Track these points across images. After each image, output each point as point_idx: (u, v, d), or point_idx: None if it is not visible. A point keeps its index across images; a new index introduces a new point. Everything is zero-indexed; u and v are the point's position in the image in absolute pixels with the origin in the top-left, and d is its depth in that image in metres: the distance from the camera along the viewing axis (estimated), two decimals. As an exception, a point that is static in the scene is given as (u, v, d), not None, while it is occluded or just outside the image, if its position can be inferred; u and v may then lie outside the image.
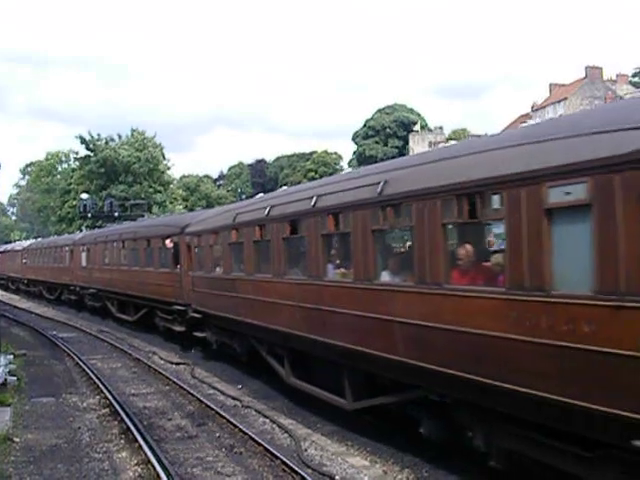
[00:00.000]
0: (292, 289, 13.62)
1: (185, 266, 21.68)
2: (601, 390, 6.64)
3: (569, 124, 8.11)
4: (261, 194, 25.40)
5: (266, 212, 15.08)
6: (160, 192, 66.32)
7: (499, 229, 8.53)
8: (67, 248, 40.60)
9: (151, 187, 65.27)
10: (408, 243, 10.36)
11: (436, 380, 9.34)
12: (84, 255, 37.08)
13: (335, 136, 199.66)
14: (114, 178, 65.29)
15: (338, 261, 12.43)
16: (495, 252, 8.76)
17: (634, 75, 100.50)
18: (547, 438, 7.72)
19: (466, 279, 8.96)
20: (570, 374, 7.02)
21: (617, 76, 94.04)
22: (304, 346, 13.57)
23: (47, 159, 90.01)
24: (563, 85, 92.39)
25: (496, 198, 8.26)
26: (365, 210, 10.96)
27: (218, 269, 18.58)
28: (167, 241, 23.76)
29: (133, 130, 68.89)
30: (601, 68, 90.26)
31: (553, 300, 7.25)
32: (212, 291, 18.84)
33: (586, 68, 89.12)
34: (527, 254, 7.65)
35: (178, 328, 23.00)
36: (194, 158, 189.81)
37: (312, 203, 12.80)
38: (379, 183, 10.60)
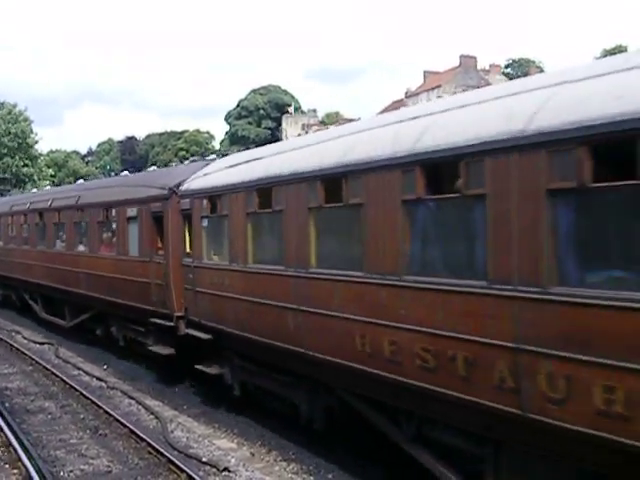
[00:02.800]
0: (40, 255, 22.08)
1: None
2: (138, 297, 15.28)
3: (138, 179, 17.86)
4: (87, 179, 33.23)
5: (27, 206, 23.76)
6: (28, 166, 66.38)
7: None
8: None
9: (21, 161, 65.40)
10: (86, 230, 18.93)
11: (98, 303, 17.98)
12: None
13: (208, 115, 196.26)
14: None
15: (63, 238, 20.82)
16: (114, 237, 17.30)
17: (507, 66, 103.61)
18: (134, 324, 16.40)
19: (106, 250, 17.56)
20: (127, 291, 15.66)
21: (490, 66, 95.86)
22: (47, 291, 22.06)
23: None
24: (437, 73, 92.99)
25: (114, 211, 16.82)
26: (71, 211, 19.71)
27: (1, 242, 26.80)
28: None
29: (1, 103, 67.33)
30: (475, 57, 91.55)
31: (126, 259, 15.99)
32: (-4, 258, 27.16)
33: (460, 57, 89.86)
34: (121, 239, 16.38)
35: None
36: (62, 133, 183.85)
37: (49, 204, 21.57)
38: (77, 196, 19.45)
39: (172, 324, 14.10)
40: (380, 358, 7.95)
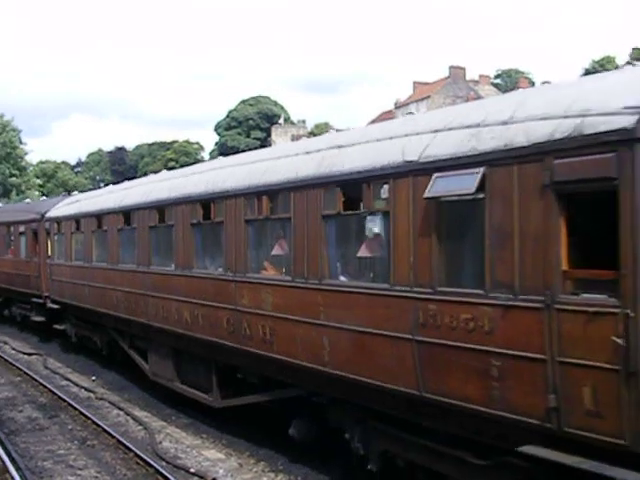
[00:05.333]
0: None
1: None
2: (25, 285, 23.56)
3: (27, 207, 26.53)
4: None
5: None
6: (16, 176, 67.08)
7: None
8: None
9: (8, 170, 65.79)
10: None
11: (5, 292, 26.21)
12: None
13: (197, 126, 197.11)
14: None
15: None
16: (13, 245, 25.47)
17: (496, 77, 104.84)
18: (24, 304, 24.64)
19: (10, 254, 25.71)
20: (19, 282, 23.91)
21: (479, 77, 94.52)
22: None
23: None
24: (427, 83, 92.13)
25: (12, 227, 25.27)
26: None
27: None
28: None
29: None
30: (464, 68, 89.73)
31: (18, 260, 24.35)
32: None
33: (450, 68, 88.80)
34: (16, 247, 24.87)
35: None
36: (51, 144, 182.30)
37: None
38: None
39: (42, 301, 22.26)
40: (112, 305, 16.36)
